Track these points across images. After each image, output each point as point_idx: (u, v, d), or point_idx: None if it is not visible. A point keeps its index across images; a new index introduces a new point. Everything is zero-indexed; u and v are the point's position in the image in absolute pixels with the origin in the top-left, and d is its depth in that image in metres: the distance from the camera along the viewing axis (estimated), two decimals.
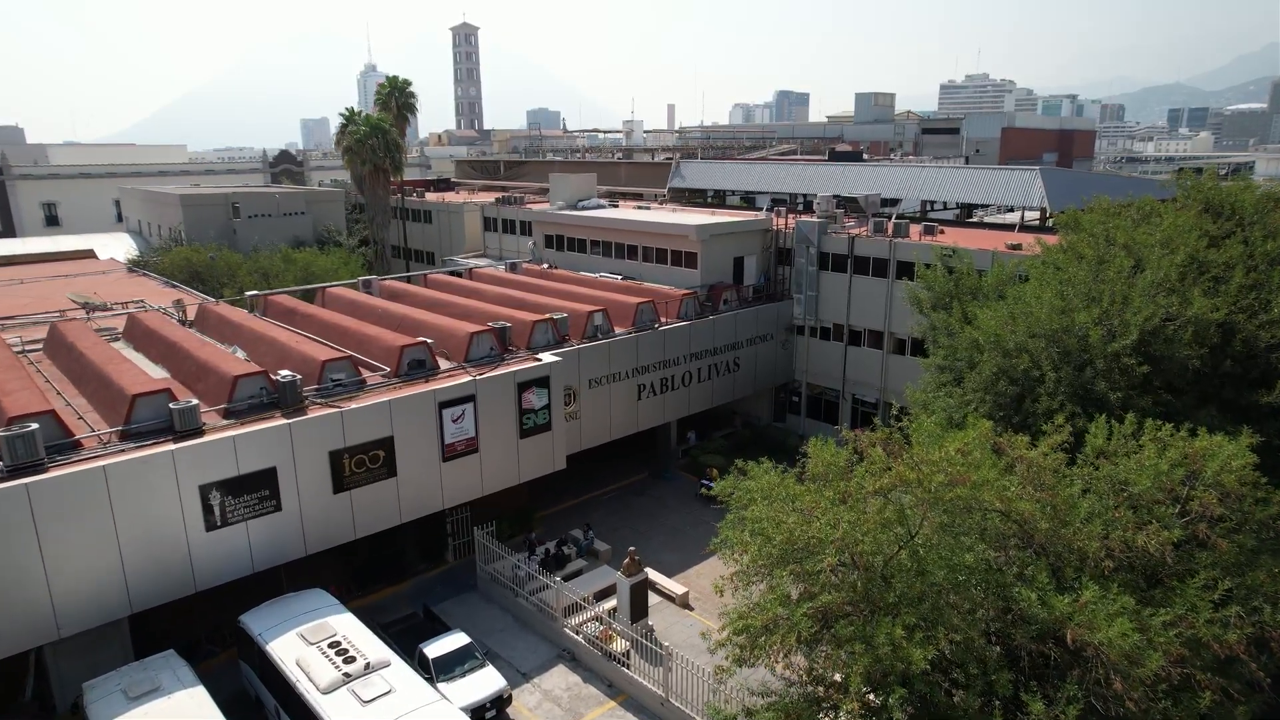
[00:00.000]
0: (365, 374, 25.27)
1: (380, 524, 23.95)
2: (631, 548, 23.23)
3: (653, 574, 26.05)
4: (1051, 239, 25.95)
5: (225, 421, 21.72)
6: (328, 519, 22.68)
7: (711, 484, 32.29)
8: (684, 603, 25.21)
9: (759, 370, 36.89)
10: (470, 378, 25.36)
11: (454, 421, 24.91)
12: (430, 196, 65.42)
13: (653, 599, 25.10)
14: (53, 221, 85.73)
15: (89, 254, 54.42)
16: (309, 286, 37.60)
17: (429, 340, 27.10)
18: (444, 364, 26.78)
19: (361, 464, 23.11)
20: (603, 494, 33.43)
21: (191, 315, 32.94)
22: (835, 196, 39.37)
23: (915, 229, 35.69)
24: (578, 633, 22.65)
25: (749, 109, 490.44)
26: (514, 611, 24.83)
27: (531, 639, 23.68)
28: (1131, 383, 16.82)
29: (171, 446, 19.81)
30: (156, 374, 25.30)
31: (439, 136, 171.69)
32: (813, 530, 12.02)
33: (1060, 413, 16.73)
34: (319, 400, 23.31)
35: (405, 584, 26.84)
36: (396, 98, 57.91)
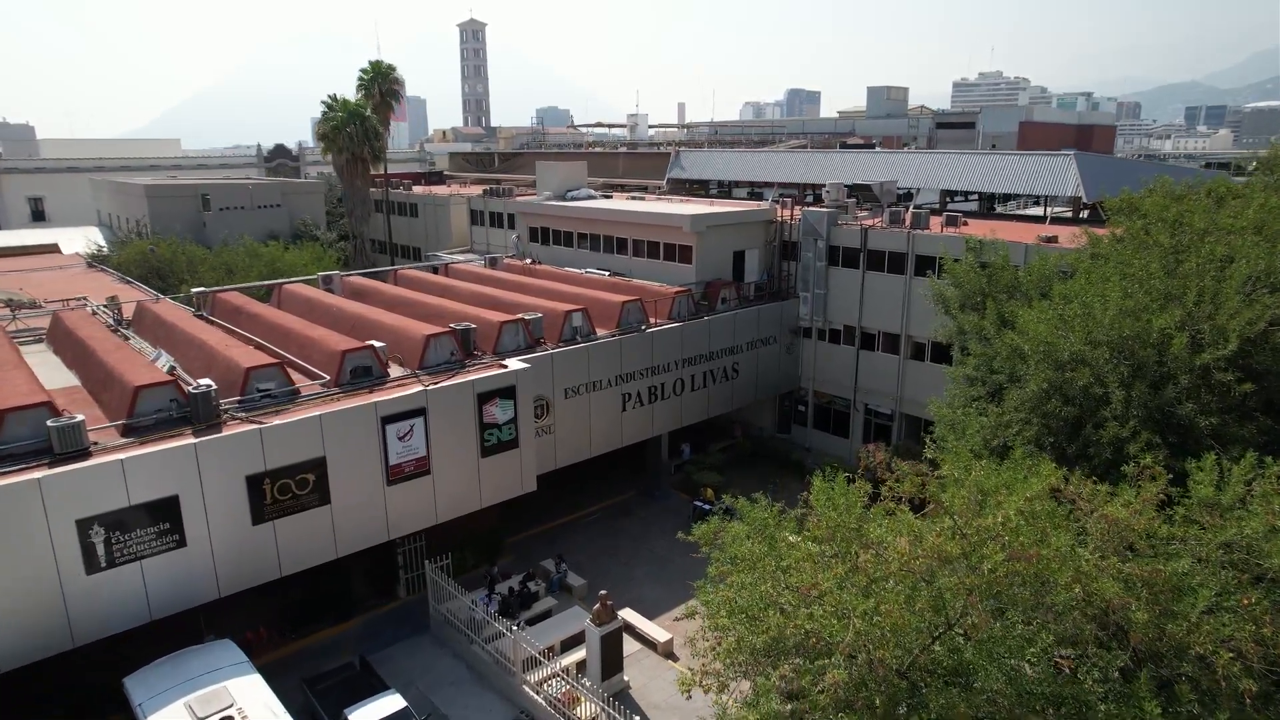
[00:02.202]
0: (304, 382, 21.87)
1: (312, 559, 20.49)
2: (603, 591, 19.68)
3: (632, 616, 22.54)
4: (1099, 231, 22.27)
5: (123, 440, 18.33)
6: (246, 555, 19.24)
7: (706, 505, 28.84)
8: (667, 651, 21.65)
9: (760, 377, 33.29)
10: (421, 388, 21.88)
11: (400, 439, 21.44)
12: (418, 190, 62.06)
13: (631, 646, 21.60)
14: (39, 216, 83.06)
15: (53, 249, 51.42)
16: (262, 283, 34.31)
17: (379, 344, 23.71)
18: (397, 371, 23.38)
19: (287, 490, 19.66)
20: (584, 516, 29.90)
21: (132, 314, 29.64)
22: (847, 186, 35.75)
23: (936, 220, 32.07)
24: (539, 691, 19.13)
25: (760, 107, 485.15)
26: (469, 661, 21.32)
27: (487, 696, 20.17)
28: (1227, 405, 13.18)
29: (40, 473, 16.40)
30: (59, 383, 22.00)
31: (444, 133, 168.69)
32: (813, 624, 8.44)
33: (1133, 442, 13.11)
34: (240, 415, 19.90)
35: (350, 624, 23.36)
36: (380, 84, 54.41)
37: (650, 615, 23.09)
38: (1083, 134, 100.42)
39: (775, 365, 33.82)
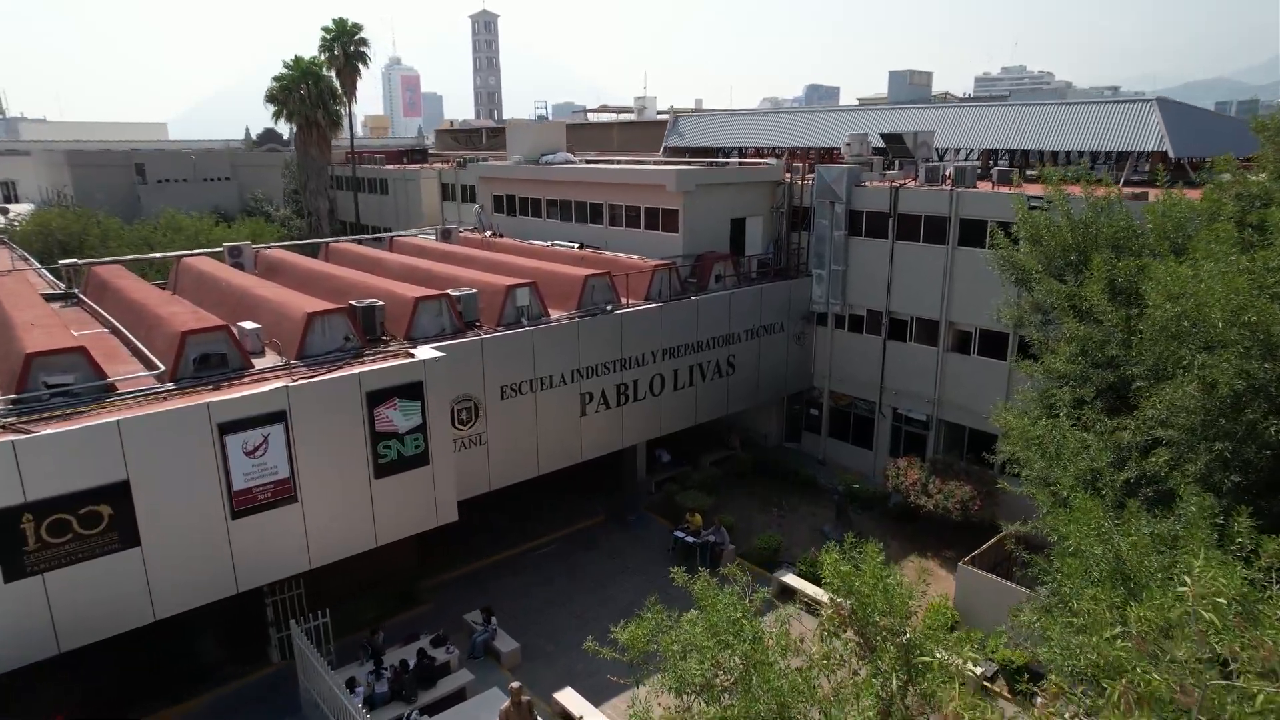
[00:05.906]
0: (137, 374, 16.01)
1: (112, 625, 14.49)
2: (515, 683, 13.53)
3: (573, 700, 16.33)
4: (1194, 192, 15.79)
5: None
6: None
7: (690, 537, 22.63)
8: None
9: (763, 373, 26.99)
10: (281, 384, 15.81)
11: (249, 454, 15.39)
12: (393, 166, 56.14)
13: None
14: (10, 200, 78.82)
15: None
16: (140, 256, 28.81)
17: (250, 325, 17.81)
18: (273, 360, 17.38)
19: (64, 529, 13.66)
20: (537, 546, 23.74)
21: None
22: (876, 142, 29.36)
23: (982, 183, 25.69)
24: None
25: (778, 102, 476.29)
26: None
27: None
28: None
29: None
30: None
31: (451, 123, 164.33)
32: None
33: None
34: (7, 421, 13.95)
35: (198, 702, 17.34)
36: (343, 43, 48.52)
37: (602, 696, 16.84)
38: None
39: (782, 359, 27.53)
